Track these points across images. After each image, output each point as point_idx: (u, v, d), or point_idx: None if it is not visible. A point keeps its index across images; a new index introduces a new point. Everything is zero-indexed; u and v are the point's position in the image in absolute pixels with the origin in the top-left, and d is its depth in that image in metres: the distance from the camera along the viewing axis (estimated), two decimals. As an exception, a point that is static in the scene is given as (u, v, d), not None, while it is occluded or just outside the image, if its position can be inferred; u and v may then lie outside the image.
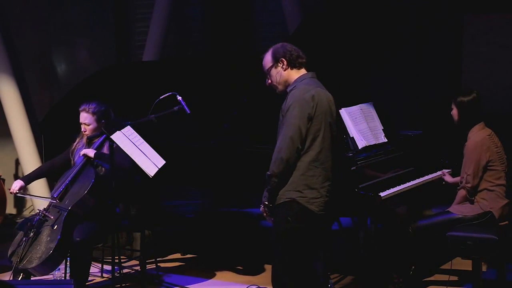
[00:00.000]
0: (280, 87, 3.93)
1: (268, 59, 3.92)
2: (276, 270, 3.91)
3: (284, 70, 3.88)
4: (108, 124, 4.96)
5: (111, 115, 5.04)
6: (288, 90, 3.90)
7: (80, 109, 4.99)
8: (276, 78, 3.91)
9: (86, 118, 4.97)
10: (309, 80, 3.88)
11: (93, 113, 4.95)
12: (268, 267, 5.24)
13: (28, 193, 5.15)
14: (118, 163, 4.68)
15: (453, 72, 6.92)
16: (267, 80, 3.97)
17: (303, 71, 3.91)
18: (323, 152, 3.82)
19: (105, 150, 4.95)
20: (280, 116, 3.86)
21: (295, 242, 3.82)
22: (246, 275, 5.54)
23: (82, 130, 5.01)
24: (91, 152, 4.88)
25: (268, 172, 3.80)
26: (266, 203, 3.87)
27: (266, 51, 3.97)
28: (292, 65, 3.88)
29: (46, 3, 7.91)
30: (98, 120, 4.97)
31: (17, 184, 5.01)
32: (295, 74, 3.90)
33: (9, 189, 5.05)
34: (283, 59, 3.87)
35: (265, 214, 3.93)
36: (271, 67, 3.90)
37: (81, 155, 4.94)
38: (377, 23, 6.36)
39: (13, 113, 7.24)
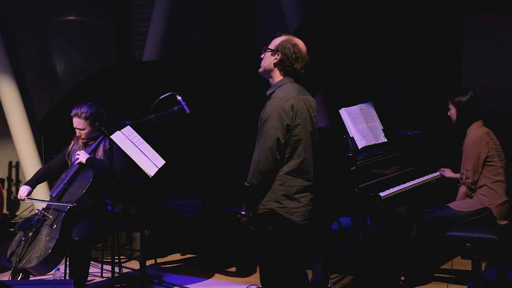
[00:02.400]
0: (262, 70, 3.84)
1: (275, 42, 3.79)
2: (263, 280, 3.86)
3: (273, 65, 3.77)
4: (102, 124, 4.96)
5: (104, 116, 5.04)
6: (267, 93, 3.80)
7: (72, 114, 4.98)
8: (265, 61, 3.82)
9: (79, 124, 4.97)
10: (289, 85, 3.75)
11: (86, 118, 4.95)
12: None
13: (33, 197, 5.13)
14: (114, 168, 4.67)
15: (453, 72, 6.92)
16: (262, 54, 3.85)
17: (286, 77, 3.78)
18: (305, 162, 3.72)
19: (101, 151, 4.96)
20: (258, 124, 3.74)
21: (278, 251, 3.74)
22: (246, 275, 5.54)
23: (77, 134, 5.02)
24: (83, 158, 4.88)
25: (246, 184, 3.69)
26: (243, 213, 3.77)
27: (285, 32, 3.86)
28: (280, 67, 3.76)
29: (46, 3, 7.91)
30: (91, 124, 4.97)
31: (25, 190, 5.00)
32: (277, 76, 3.79)
33: (17, 196, 5.04)
34: (279, 55, 3.74)
35: (245, 223, 3.83)
36: (270, 51, 3.79)
37: (76, 164, 4.93)
38: (377, 23, 6.37)
39: (13, 113, 7.24)
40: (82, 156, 4.89)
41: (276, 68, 3.78)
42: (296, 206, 3.71)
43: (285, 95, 3.69)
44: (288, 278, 3.82)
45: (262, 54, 3.86)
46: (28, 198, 5.00)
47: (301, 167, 3.71)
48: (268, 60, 3.80)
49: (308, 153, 3.74)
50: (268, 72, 3.81)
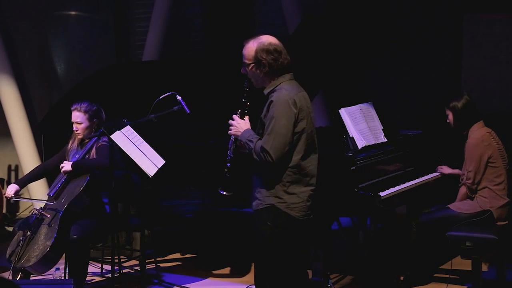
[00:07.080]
0: (258, 85, 3.82)
1: (251, 54, 3.76)
2: (259, 274, 3.85)
3: (265, 74, 3.75)
4: (100, 124, 4.97)
5: (103, 115, 5.06)
6: (265, 92, 3.78)
7: (72, 108, 5.00)
8: (254, 76, 3.79)
9: (78, 117, 4.98)
10: (287, 83, 3.74)
11: (85, 112, 4.96)
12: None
13: (23, 196, 5.12)
14: (100, 164, 4.70)
15: (453, 72, 6.92)
16: (243, 68, 3.81)
17: (282, 74, 3.77)
18: (304, 157, 3.72)
19: (93, 149, 4.96)
20: (261, 122, 3.74)
21: (276, 247, 3.73)
22: (246, 275, 5.54)
23: (74, 129, 5.02)
24: (68, 167, 4.86)
25: (271, 157, 3.59)
26: (234, 140, 3.87)
27: (252, 37, 3.82)
28: (273, 71, 3.74)
29: (46, 3, 7.91)
30: (90, 119, 4.98)
31: (12, 188, 5.01)
32: (273, 78, 3.76)
33: (4, 194, 5.05)
34: (266, 64, 3.71)
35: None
36: (251, 66, 3.76)
37: (62, 172, 4.91)
38: (377, 23, 6.37)
39: (13, 113, 7.24)
40: (66, 166, 4.88)
41: (268, 74, 3.75)
42: (296, 201, 3.71)
43: (287, 93, 3.69)
44: (286, 277, 3.80)
45: (243, 69, 3.81)
46: (15, 197, 5.00)
47: (300, 163, 3.70)
48: (257, 74, 3.76)
49: (308, 149, 3.74)
50: (261, 81, 3.79)
